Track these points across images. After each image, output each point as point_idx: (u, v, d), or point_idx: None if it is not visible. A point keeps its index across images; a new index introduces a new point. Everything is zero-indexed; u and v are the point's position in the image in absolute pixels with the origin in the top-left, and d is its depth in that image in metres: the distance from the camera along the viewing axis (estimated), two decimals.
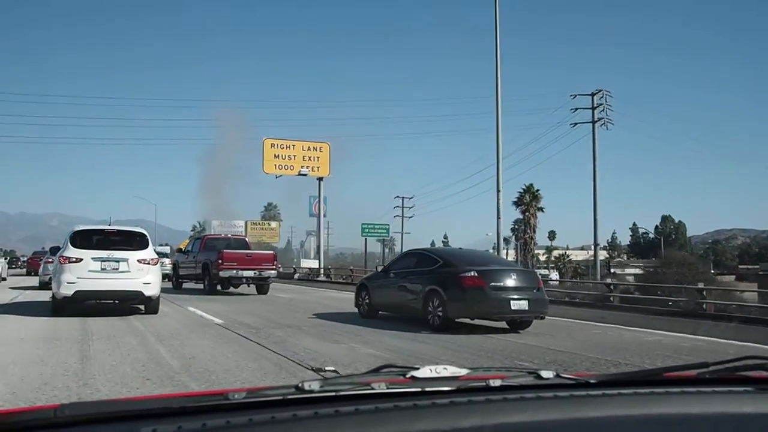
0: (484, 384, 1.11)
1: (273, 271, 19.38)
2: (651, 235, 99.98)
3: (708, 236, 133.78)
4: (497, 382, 1.11)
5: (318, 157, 37.71)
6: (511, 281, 10.08)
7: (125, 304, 11.99)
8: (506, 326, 10.60)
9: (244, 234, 60.90)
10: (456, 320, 10.18)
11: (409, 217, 66.87)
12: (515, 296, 9.91)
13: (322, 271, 36.97)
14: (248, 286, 19.49)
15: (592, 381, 1.18)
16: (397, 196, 66.68)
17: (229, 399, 0.98)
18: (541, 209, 57.67)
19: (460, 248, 13.36)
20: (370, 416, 0.93)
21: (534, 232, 59.15)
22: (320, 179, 37.97)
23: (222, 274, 18.21)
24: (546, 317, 10.48)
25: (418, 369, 1.13)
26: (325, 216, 57.54)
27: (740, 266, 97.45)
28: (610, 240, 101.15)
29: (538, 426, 0.96)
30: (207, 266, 18.87)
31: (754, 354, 1.33)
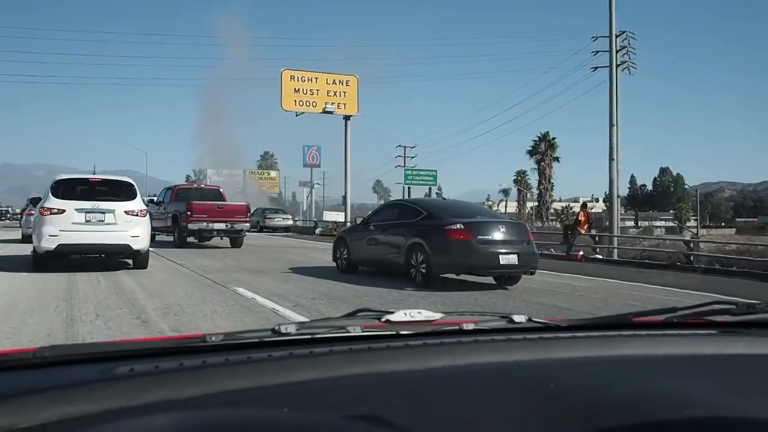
0: (457, 328, 1.13)
1: (246, 224, 18.82)
2: (649, 189, 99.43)
3: (695, 189, 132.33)
4: (470, 326, 1.14)
5: (344, 92, 32.02)
6: (499, 234, 9.41)
7: (112, 258, 11.26)
8: (493, 282, 10.01)
9: (241, 184, 59.40)
10: (441, 276, 9.57)
11: (412, 168, 64.32)
12: (504, 250, 9.26)
13: (349, 225, 34.62)
14: (221, 239, 18.90)
15: (562, 325, 1.21)
16: (399, 145, 64.32)
17: (206, 341, 1.00)
18: (556, 159, 54.80)
19: (445, 198, 12.64)
20: (344, 357, 0.95)
21: (549, 182, 54.97)
22: (347, 118, 32.23)
23: (191, 226, 17.57)
24: (536, 272, 9.87)
25: (392, 313, 1.15)
26: (319, 166, 56.44)
27: (737, 219, 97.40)
28: (607, 192, 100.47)
29: (507, 366, 0.98)
30: (177, 218, 18.21)
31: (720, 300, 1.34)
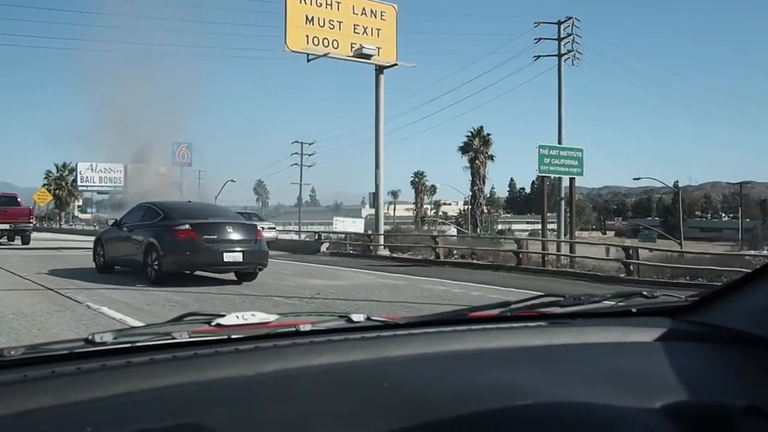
0: (293, 329, 1.09)
1: (29, 224, 22.11)
2: (527, 192, 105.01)
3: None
4: (307, 327, 1.10)
5: (379, 30, 21.33)
6: (226, 234, 10.39)
7: None
8: (234, 278, 10.90)
9: (122, 181, 54.59)
10: (178, 273, 10.32)
11: (309, 166, 58.02)
12: (230, 248, 10.19)
13: (383, 239, 22.01)
14: (11, 240, 22.09)
15: (400, 323, 1.20)
16: (296, 141, 57.58)
17: (3, 356, 0.89)
18: (491, 157, 47.95)
19: (189, 201, 13.53)
20: (166, 366, 0.89)
21: (483, 183, 48.76)
22: (380, 69, 21.66)
23: None
24: (265, 268, 10.88)
25: (224, 316, 1.09)
26: (190, 165, 53.18)
27: (607, 222, 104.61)
28: (488, 195, 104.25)
29: (342, 366, 0.97)
30: None
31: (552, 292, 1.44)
